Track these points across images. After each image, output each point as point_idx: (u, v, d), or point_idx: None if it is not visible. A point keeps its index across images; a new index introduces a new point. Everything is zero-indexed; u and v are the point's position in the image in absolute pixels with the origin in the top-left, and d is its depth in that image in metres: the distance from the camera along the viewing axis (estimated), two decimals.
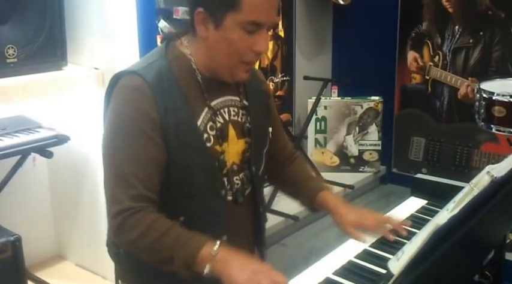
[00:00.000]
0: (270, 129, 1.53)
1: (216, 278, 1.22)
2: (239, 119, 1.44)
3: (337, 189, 3.74)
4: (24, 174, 2.48)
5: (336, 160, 4.01)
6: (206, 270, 1.21)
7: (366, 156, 3.98)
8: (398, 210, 1.67)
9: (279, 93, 3.82)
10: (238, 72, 1.36)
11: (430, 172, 3.67)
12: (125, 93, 1.32)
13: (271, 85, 3.77)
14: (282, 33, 3.76)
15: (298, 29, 3.85)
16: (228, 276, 1.20)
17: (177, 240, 1.25)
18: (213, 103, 1.39)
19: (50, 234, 2.81)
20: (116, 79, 1.35)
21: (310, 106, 3.77)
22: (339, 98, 3.95)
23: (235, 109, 1.44)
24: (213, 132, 1.38)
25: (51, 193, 2.78)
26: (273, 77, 3.77)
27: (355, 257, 1.40)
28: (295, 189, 1.61)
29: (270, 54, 3.72)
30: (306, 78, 3.84)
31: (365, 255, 1.41)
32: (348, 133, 3.96)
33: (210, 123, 1.37)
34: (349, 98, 3.91)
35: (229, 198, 1.43)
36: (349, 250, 1.42)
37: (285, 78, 3.85)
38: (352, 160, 3.98)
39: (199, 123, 1.36)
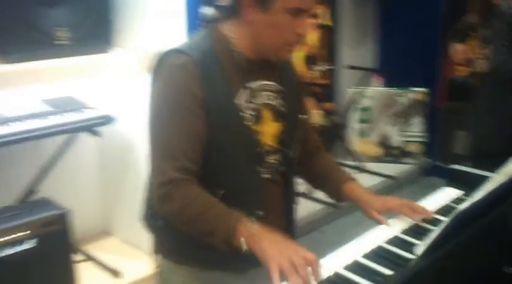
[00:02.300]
0: (304, 117, 1.57)
1: (251, 252, 1.27)
2: (274, 103, 1.49)
3: (378, 179, 3.73)
4: (74, 152, 2.59)
5: (379, 150, 3.99)
6: (242, 244, 1.27)
7: (409, 148, 3.95)
8: (431, 200, 1.67)
9: (322, 81, 3.82)
10: (282, 52, 1.43)
11: (475, 166, 3.60)
12: (172, 70, 1.38)
13: (316, 74, 3.78)
14: (326, 22, 3.76)
15: (342, 18, 3.84)
16: (261, 250, 1.25)
17: (217, 215, 1.32)
18: (250, 85, 1.44)
19: (97, 210, 2.92)
20: (164, 57, 1.42)
21: (351, 96, 3.76)
22: (384, 88, 3.93)
23: (272, 94, 1.49)
24: (251, 112, 1.43)
25: (99, 171, 2.88)
26: (317, 66, 3.78)
27: (386, 242, 1.42)
28: (320, 179, 1.65)
29: (315, 43, 3.73)
30: (351, 67, 3.82)
31: (396, 241, 1.42)
32: (391, 124, 3.93)
33: (248, 104, 1.43)
34: (394, 89, 3.87)
35: (266, 175, 1.48)
36: (380, 236, 1.45)
37: (329, 67, 3.85)
38: (394, 151, 3.95)
39: (238, 101, 1.41)
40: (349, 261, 1.32)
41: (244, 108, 1.42)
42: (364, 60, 4.00)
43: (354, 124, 3.98)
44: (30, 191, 2.44)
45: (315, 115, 3.81)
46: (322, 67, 3.82)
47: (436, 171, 3.96)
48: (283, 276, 1.21)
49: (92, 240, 2.82)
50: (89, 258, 2.65)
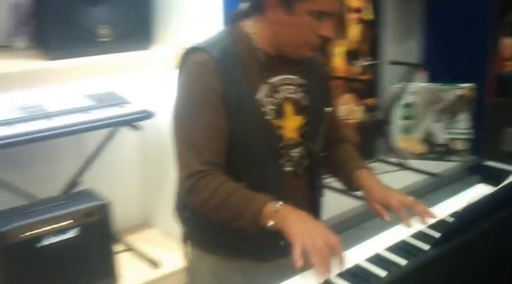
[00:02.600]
0: (328, 109, 1.58)
1: (277, 233, 1.31)
2: (296, 97, 1.51)
3: (421, 176, 3.67)
4: (115, 146, 2.66)
5: (423, 147, 3.91)
6: (269, 224, 1.32)
7: (455, 145, 3.86)
8: (461, 196, 1.64)
9: (364, 77, 3.78)
10: (302, 51, 1.44)
11: None
12: (193, 68, 1.43)
13: (356, 69, 3.74)
14: (369, 17, 3.72)
15: (385, 12, 3.78)
16: (287, 229, 1.29)
17: (243, 199, 1.36)
18: (271, 80, 1.46)
19: (138, 203, 2.99)
20: (186, 55, 1.46)
21: (395, 92, 3.71)
22: (428, 84, 3.85)
23: (294, 87, 1.50)
24: (272, 107, 1.46)
25: (139, 164, 2.96)
26: (359, 61, 3.74)
27: (411, 236, 1.41)
28: (337, 168, 1.65)
29: (356, 38, 3.69)
30: (393, 62, 3.77)
31: (420, 235, 1.41)
32: (436, 121, 3.85)
33: (269, 99, 1.45)
34: (439, 84, 3.79)
35: (288, 169, 1.50)
36: (406, 230, 1.44)
37: (371, 62, 3.80)
38: (439, 149, 3.87)
39: (258, 96, 1.44)
40: (371, 254, 1.33)
41: (265, 103, 1.45)
42: (408, 55, 3.93)
43: (397, 120, 3.92)
44: (74, 183, 2.53)
45: (356, 111, 3.77)
46: (364, 62, 3.78)
47: (482, 170, 3.85)
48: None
49: (132, 231, 2.89)
50: (129, 248, 2.73)
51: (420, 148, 3.91)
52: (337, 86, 3.65)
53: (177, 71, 1.50)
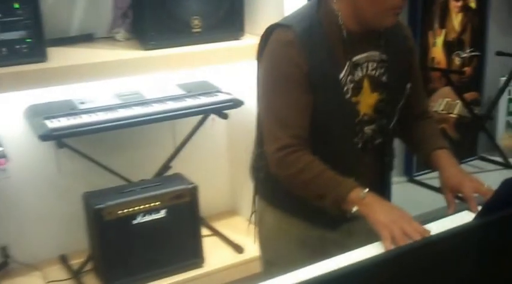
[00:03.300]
0: (409, 85, 1.56)
1: (359, 216, 1.35)
2: (376, 73, 1.51)
3: None
4: (205, 132, 2.76)
5: None
6: (354, 210, 1.35)
7: None
8: None
9: (466, 69, 3.59)
10: (387, 18, 1.42)
11: None
12: (278, 46, 1.46)
13: (457, 61, 3.57)
14: (472, 5, 3.52)
15: (491, 0, 3.56)
16: (373, 217, 1.33)
17: (330, 181, 1.40)
18: (354, 58, 1.47)
19: (225, 189, 3.08)
20: (270, 31, 1.49)
21: (499, 85, 3.49)
22: None
23: (374, 64, 1.50)
24: (352, 85, 1.47)
25: (228, 151, 3.04)
26: (459, 52, 3.56)
27: None
28: (416, 143, 1.63)
29: (457, 27, 3.51)
30: (499, 53, 3.55)
31: None
32: None
33: (350, 76, 1.46)
34: None
35: (359, 145, 1.52)
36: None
37: (473, 53, 3.60)
38: None
39: (341, 76, 1.45)
40: None
41: (346, 81, 1.46)
42: None
43: (501, 116, 3.70)
44: (165, 167, 2.67)
45: (455, 106, 3.60)
46: (466, 53, 3.59)
47: None
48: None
49: (219, 217, 2.99)
50: (215, 233, 2.83)
51: None
52: (435, 79, 3.50)
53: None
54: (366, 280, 0.96)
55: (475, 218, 1.27)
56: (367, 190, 1.36)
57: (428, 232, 1.28)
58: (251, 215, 1.77)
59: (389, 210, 1.34)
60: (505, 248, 1.13)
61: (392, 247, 1.25)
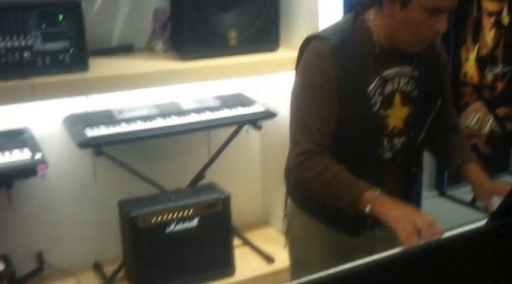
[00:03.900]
0: (439, 101, 1.62)
1: (374, 215, 1.42)
2: (407, 88, 1.57)
3: None
4: (239, 143, 2.80)
5: None
6: (367, 209, 1.42)
7: None
8: None
9: (498, 84, 3.58)
10: (421, 44, 1.49)
11: None
12: (312, 56, 1.53)
13: (489, 76, 3.56)
14: (506, 20, 3.51)
15: None
16: (386, 214, 1.39)
17: (346, 182, 1.48)
18: (385, 73, 1.53)
19: (258, 200, 3.11)
20: (307, 42, 1.57)
21: None
22: None
23: (406, 79, 1.57)
24: (380, 98, 1.53)
25: (261, 162, 3.08)
26: (492, 67, 3.55)
27: None
28: (446, 156, 1.71)
29: (490, 43, 3.51)
30: None
31: None
32: None
33: (379, 90, 1.52)
34: None
35: (388, 156, 1.59)
36: None
37: (506, 69, 3.59)
38: None
39: (370, 88, 1.51)
40: None
41: (375, 94, 1.52)
42: None
43: None
44: (200, 176, 2.71)
45: (487, 121, 3.58)
46: (498, 69, 3.58)
47: None
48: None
49: (251, 228, 3.02)
50: (246, 242, 2.85)
51: None
52: (467, 94, 3.50)
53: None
54: (376, 280, 1.01)
55: (486, 223, 1.31)
56: (379, 191, 1.43)
57: (439, 226, 1.33)
58: (284, 218, 1.84)
59: (400, 207, 1.40)
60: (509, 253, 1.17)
61: (409, 241, 1.31)
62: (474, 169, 1.61)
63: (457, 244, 1.16)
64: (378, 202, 1.41)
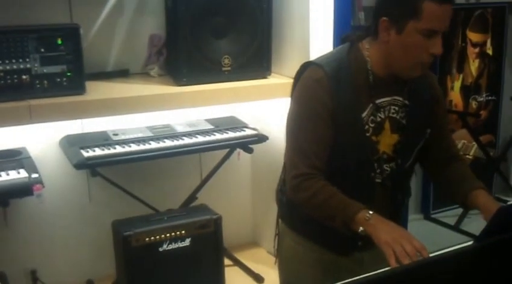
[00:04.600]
0: (428, 130, 1.66)
1: (366, 236, 1.45)
2: (397, 116, 1.62)
3: None
4: (231, 166, 2.87)
5: None
6: (360, 229, 1.45)
7: None
8: None
9: (482, 112, 3.70)
10: (415, 70, 1.54)
11: None
12: (308, 83, 1.59)
13: (473, 104, 3.68)
14: (489, 51, 3.65)
15: (510, 47, 3.68)
16: (377, 236, 1.42)
17: (340, 203, 1.51)
18: (378, 101, 1.59)
19: (248, 221, 3.17)
20: (303, 68, 1.63)
21: None
22: None
23: (396, 108, 1.62)
24: (373, 125, 1.59)
25: (252, 185, 3.14)
26: (476, 96, 3.68)
27: None
28: (450, 185, 1.70)
29: (474, 72, 3.64)
30: None
31: None
32: None
33: (372, 117, 1.58)
34: None
35: (378, 180, 1.63)
36: None
37: (489, 98, 3.72)
38: None
39: (363, 115, 1.57)
40: None
41: (368, 121, 1.57)
42: None
43: None
44: (192, 197, 2.77)
45: (470, 147, 3.69)
46: (482, 98, 3.70)
47: None
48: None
49: (241, 248, 3.07)
50: (236, 262, 2.90)
51: None
52: (452, 121, 3.61)
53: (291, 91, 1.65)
54: None
55: (473, 242, 1.35)
56: (372, 212, 1.46)
57: (426, 250, 1.36)
58: (275, 237, 1.88)
59: (391, 230, 1.43)
60: (499, 270, 1.23)
61: (396, 264, 1.34)
62: (481, 195, 1.61)
63: (445, 263, 1.21)
64: (370, 222, 1.45)
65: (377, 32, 1.53)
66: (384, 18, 1.50)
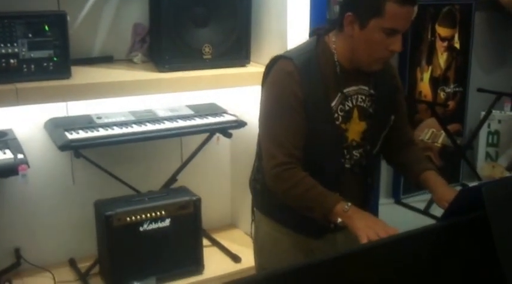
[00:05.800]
0: (392, 117, 1.78)
1: (344, 225, 1.56)
2: (364, 105, 1.73)
3: None
4: (210, 150, 2.97)
5: (507, 174, 3.91)
6: (339, 221, 1.56)
7: None
8: None
9: (450, 103, 3.87)
10: (376, 64, 1.65)
11: None
12: (280, 75, 1.67)
13: (442, 95, 3.84)
14: (457, 45, 3.82)
15: (476, 41, 3.85)
16: (353, 225, 1.53)
17: (319, 195, 1.61)
18: (345, 90, 1.69)
19: (226, 204, 3.28)
20: (274, 61, 1.71)
21: (480, 119, 3.76)
22: None
23: (363, 97, 1.73)
24: (342, 113, 1.69)
25: (230, 168, 3.25)
26: (444, 87, 3.84)
27: None
28: (405, 167, 1.85)
29: (443, 65, 3.80)
30: (479, 90, 3.83)
31: None
32: None
33: (340, 106, 1.68)
34: None
35: (348, 166, 1.73)
36: None
37: (457, 89, 3.89)
38: None
39: (332, 104, 1.67)
40: None
41: (337, 109, 1.67)
42: (498, 84, 3.95)
43: (481, 147, 3.96)
44: (172, 179, 2.87)
45: (439, 136, 3.86)
46: (450, 89, 3.87)
47: None
48: None
49: (219, 229, 3.18)
50: (214, 243, 3.02)
51: (505, 175, 3.91)
52: (421, 110, 3.77)
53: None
54: (335, 271, 1.15)
55: (436, 222, 1.48)
56: (349, 204, 1.56)
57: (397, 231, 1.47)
58: (251, 224, 1.97)
59: (366, 218, 1.54)
60: (460, 250, 1.33)
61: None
62: (433, 177, 1.72)
63: (411, 240, 1.29)
64: (348, 214, 1.54)
65: (342, 26, 1.62)
66: (349, 13, 1.59)
